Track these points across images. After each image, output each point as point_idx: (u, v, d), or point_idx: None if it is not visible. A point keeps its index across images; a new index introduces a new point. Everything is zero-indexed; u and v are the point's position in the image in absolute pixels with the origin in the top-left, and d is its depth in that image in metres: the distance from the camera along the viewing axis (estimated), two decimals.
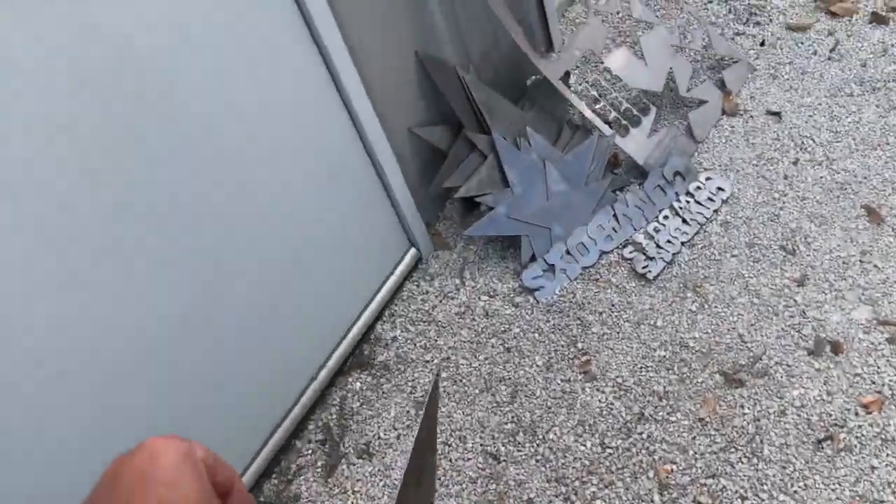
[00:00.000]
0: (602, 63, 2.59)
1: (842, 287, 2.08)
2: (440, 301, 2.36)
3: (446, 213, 2.56)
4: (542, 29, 2.87)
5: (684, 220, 2.34)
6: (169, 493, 0.48)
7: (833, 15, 2.74)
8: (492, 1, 2.24)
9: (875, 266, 2.09)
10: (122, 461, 0.50)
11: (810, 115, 2.48)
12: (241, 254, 1.81)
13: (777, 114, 2.51)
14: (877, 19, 2.67)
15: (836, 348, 1.98)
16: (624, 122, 2.53)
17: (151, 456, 0.50)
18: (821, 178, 2.32)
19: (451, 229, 2.52)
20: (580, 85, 2.72)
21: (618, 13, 2.89)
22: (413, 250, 2.44)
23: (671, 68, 2.55)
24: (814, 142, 2.41)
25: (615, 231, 2.38)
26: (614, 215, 2.39)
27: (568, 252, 2.33)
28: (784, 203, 2.30)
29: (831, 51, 2.63)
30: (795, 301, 2.09)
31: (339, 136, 2.02)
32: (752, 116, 2.54)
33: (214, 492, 0.52)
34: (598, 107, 2.60)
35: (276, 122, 1.79)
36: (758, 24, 2.80)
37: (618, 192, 2.46)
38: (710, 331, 2.10)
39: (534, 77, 2.62)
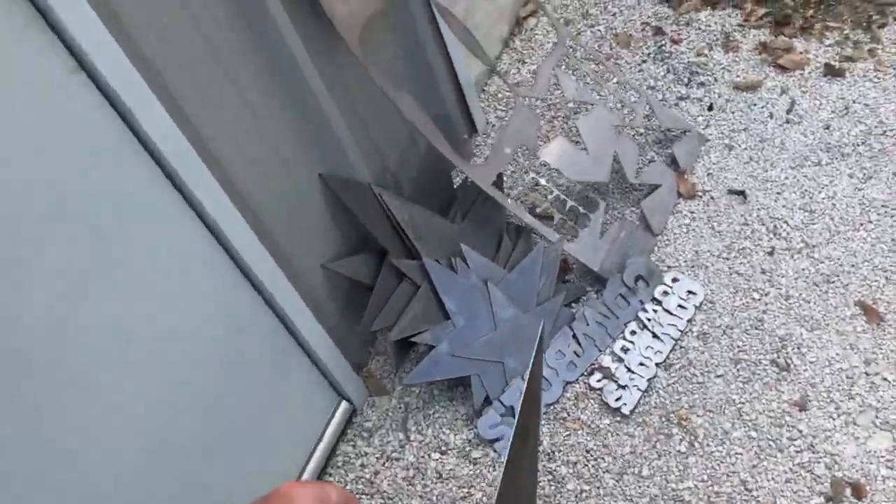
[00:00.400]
0: (538, 157, 2.29)
1: (851, 409, 1.80)
2: (383, 465, 1.99)
3: (378, 348, 2.21)
4: (462, 111, 2.57)
5: (655, 335, 2.03)
6: None
7: (782, 69, 2.50)
8: (404, 107, 1.92)
9: (884, 379, 1.82)
10: None
11: (778, 193, 2.22)
12: (142, 442, 1.45)
13: (741, 192, 2.25)
14: (831, 72, 2.43)
15: (858, 492, 1.68)
16: (570, 222, 2.23)
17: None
18: (803, 270, 2.05)
19: (387, 367, 2.17)
20: (516, 187, 2.42)
21: (548, 97, 2.59)
22: (344, 404, 2.07)
23: (615, 152, 2.26)
24: (788, 225, 2.14)
25: (577, 356, 2.06)
26: (574, 337, 2.07)
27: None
28: (766, 304, 2.02)
29: (788, 112, 2.39)
30: (800, 431, 1.80)
31: (232, 295, 1.66)
32: (712, 198, 2.27)
33: None
34: (539, 210, 2.30)
35: (163, 295, 1.44)
36: (702, 84, 2.54)
37: (573, 306, 2.15)
38: (705, 477, 1.79)
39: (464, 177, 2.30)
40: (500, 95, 2.73)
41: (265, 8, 1.59)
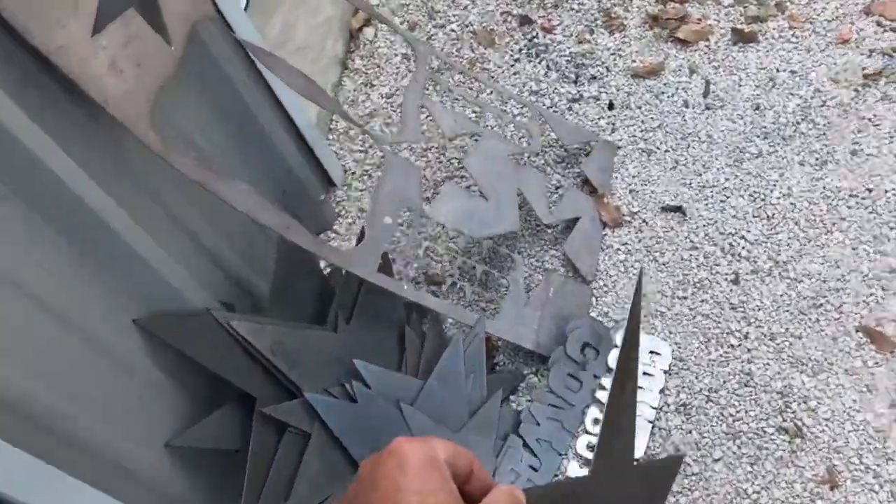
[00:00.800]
0: (427, 218, 1.80)
1: (893, 474, 1.45)
2: None
3: None
4: (312, 165, 2.04)
5: None
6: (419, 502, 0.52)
7: (683, 43, 2.11)
8: (235, 198, 1.37)
9: None
10: (375, 465, 0.54)
11: (723, 200, 1.83)
12: None
13: (677, 209, 1.84)
14: (741, 38, 2.07)
15: None
16: (487, 295, 1.76)
17: (400, 463, 0.53)
18: (781, 296, 1.68)
19: None
20: (409, 264, 1.92)
21: (421, 139, 2.08)
22: None
23: (519, 190, 1.81)
24: (745, 240, 1.76)
25: (535, 470, 1.59)
26: (525, 446, 1.60)
27: None
28: (750, 350, 1.63)
29: (705, 96, 2.00)
30: None
31: None
32: (644, 221, 1.85)
33: (457, 490, 0.54)
34: (444, 287, 1.81)
35: None
36: (594, 78, 2.12)
37: (512, 399, 1.69)
38: None
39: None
40: (351, 133, 2.20)
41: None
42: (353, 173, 2.13)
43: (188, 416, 1.48)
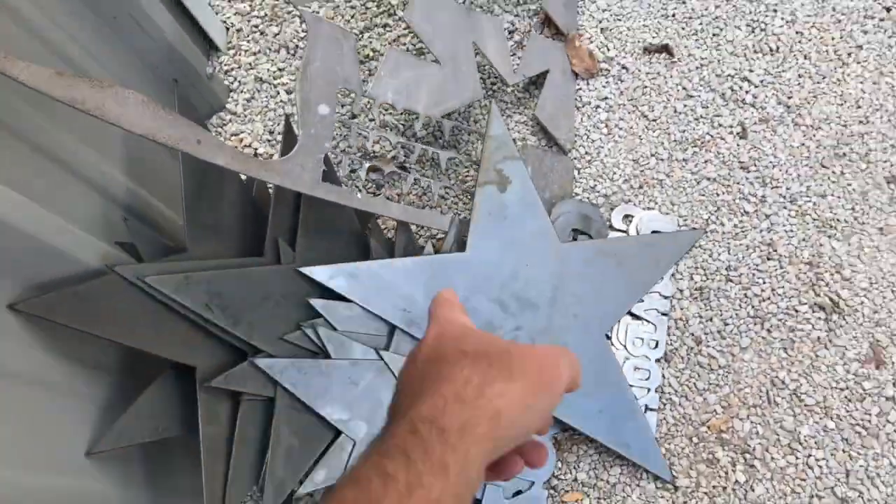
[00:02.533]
0: (371, 100, 1.43)
1: None
2: None
3: None
4: (193, 31, 1.60)
5: (635, 317, 1.41)
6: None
7: None
8: (121, 114, 1.00)
9: None
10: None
11: (716, 33, 1.54)
12: None
13: (664, 48, 1.55)
14: None
15: None
16: (456, 187, 1.46)
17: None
18: (797, 148, 1.45)
19: None
20: (361, 165, 1.54)
21: None
22: None
23: (474, 45, 1.48)
24: (749, 82, 1.50)
25: None
26: None
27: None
28: (768, 217, 1.42)
29: None
30: (890, 398, 1.29)
31: None
32: (624, 68, 1.55)
33: None
34: (405, 189, 1.48)
35: None
36: None
37: None
38: None
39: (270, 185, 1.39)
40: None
41: None
42: (240, 30, 1.71)
43: (105, 409, 1.18)
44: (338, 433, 1.25)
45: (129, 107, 1.05)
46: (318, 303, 1.26)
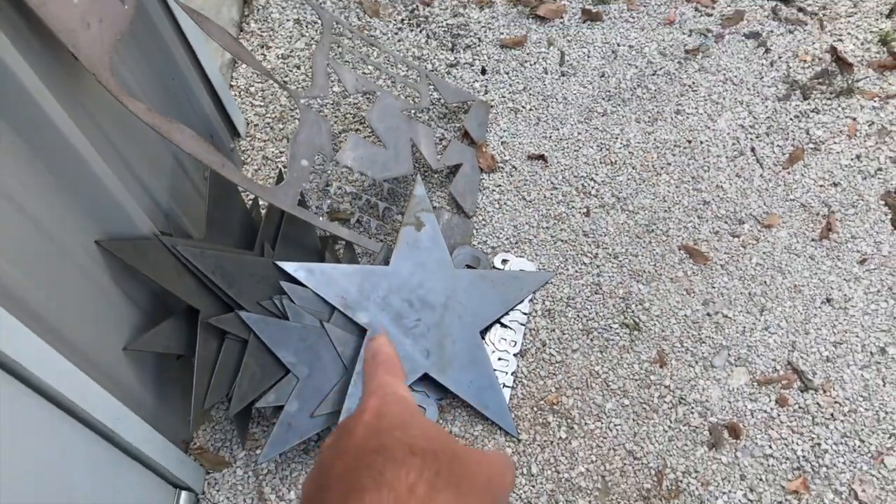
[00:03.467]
0: (337, 163, 2.11)
1: (705, 353, 1.93)
2: None
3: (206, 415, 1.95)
4: (223, 118, 2.29)
5: (503, 325, 2.02)
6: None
7: (542, 20, 2.55)
8: (180, 140, 1.64)
9: (725, 316, 1.97)
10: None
11: (576, 150, 2.28)
12: None
13: (541, 157, 2.27)
14: (589, 16, 2.53)
15: (734, 431, 1.82)
16: (387, 227, 2.11)
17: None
18: (622, 224, 2.14)
19: (218, 435, 1.91)
20: (322, 199, 2.23)
21: (330, 93, 2.38)
22: (184, 494, 1.81)
23: (412, 140, 2.16)
24: (595, 181, 2.22)
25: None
26: None
27: None
28: (599, 267, 2.08)
29: (561, 64, 2.45)
30: (667, 387, 1.89)
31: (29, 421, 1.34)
32: (514, 167, 2.27)
33: None
34: (353, 220, 2.14)
35: None
36: (468, 47, 2.51)
37: None
38: (594, 458, 1.82)
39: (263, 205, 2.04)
40: (251, 90, 2.48)
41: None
42: (256, 125, 2.40)
43: (139, 326, 1.74)
44: (287, 371, 1.81)
45: (185, 135, 1.69)
46: (285, 285, 1.85)
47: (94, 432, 1.54)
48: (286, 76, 2.48)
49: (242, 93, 2.49)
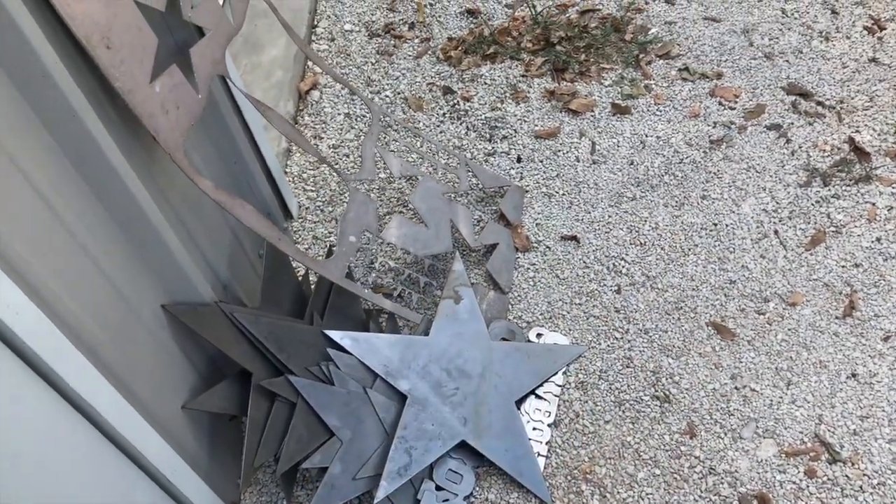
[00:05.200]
0: (382, 240, 2.25)
1: (734, 425, 1.97)
2: None
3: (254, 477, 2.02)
4: (278, 200, 2.45)
5: (537, 396, 2.08)
6: None
7: (574, 113, 2.70)
8: (243, 216, 1.78)
9: (752, 389, 2.01)
10: None
11: (607, 232, 2.39)
12: None
13: (573, 238, 2.38)
14: (618, 110, 2.69)
15: (764, 502, 1.84)
16: (427, 301, 2.21)
17: None
18: (652, 301, 2.22)
19: (264, 497, 1.98)
20: (369, 274, 2.36)
21: (377, 178, 2.55)
22: None
23: (451, 221, 2.29)
24: (625, 261, 2.31)
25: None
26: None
27: (439, 488, 1.93)
28: (630, 342, 2.15)
29: (592, 153, 2.59)
30: (697, 458, 1.92)
31: (98, 463, 1.43)
32: (548, 247, 2.38)
33: None
34: (396, 293, 2.26)
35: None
36: (504, 138, 2.67)
37: None
38: None
39: (315, 277, 2.17)
40: (304, 175, 2.65)
41: (90, 135, 1.40)
42: (307, 208, 2.55)
43: (196, 386, 1.85)
44: (331, 434, 1.88)
45: (247, 211, 1.82)
46: (332, 352, 1.95)
47: (155, 483, 1.63)
48: (336, 163, 2.64)
49: (296, 178, 2.66)
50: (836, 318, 2.15)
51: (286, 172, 2.68)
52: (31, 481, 1.22)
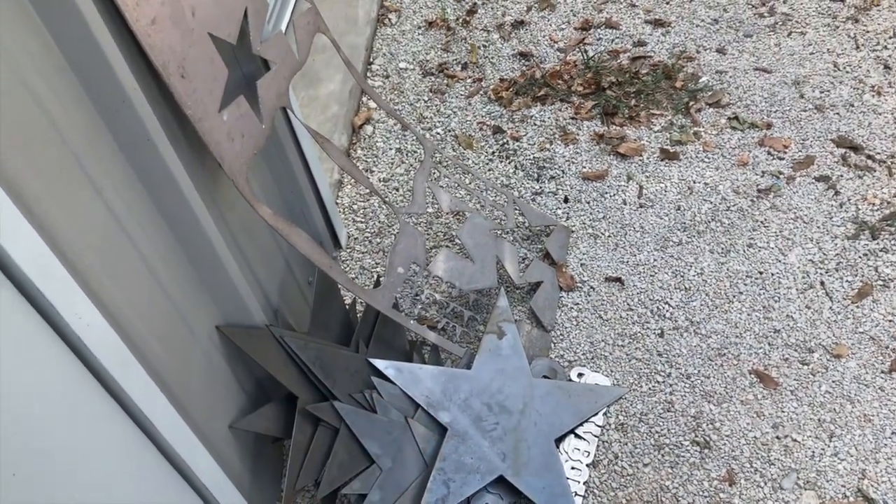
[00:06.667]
0: (428, 273, 2.29)
1: (774, 475, 1.95)
2: None
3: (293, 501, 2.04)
4: (329, 229, 2.51)
5: (577, 436, 2.08)
6: None
7: (622, 156, 2.73)
8: (299, 243, 1.83)
9: (794, 440, 2.00)
10: None
11: (652, 275, 2.40)
12: None
13: (618, 279, 2.40)
14: (667, 156, 2.71)
15: None
16: (471, 334, 2.24)
17: None
18: (695, 347, 2.22)
19: None
20: (415, 305, 2.40)
21: (426, 211, 2.61)
22: None
23: (497, 257, 2.32)
24: (669, 305, 2.32)
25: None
26: None
27: None
28: (671, 386, 2.15)
29: (639, 197, 2.61)
30: None
31: (150, 477, 1.47)
32: (592, 287, 2.39)
33: None
34: (440, 325, 2.29)
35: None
36: (552, 178, 2.70)
37: None
38: None
39: (363, 306, 2.22)
40: (354, 207, 2.71)
41: (161, 160, 1.46)
42: (356, 239, 2.60)
43: (242, 407, 1.89)
44: (371, 462, 1.90)
45: (302, 239, 1.87)
46: (375, 380, 1.97)
47: (201, 498, 1.66)
48: (386, 197, 2.70)
49: (346, 209, 2.72)
50: (882, 372, 2.13)
51: (337, 203, 2.74)
52: (90, 487, 1.27)
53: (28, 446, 1.09)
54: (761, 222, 2.52)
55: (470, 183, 2.76)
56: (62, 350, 1.18)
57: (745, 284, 2.35)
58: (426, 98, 3.12)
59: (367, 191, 2.76)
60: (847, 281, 2.34)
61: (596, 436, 2.10)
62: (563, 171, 2.75)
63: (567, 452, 2.08)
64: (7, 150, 1.08)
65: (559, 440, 2.11)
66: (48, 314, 1.14)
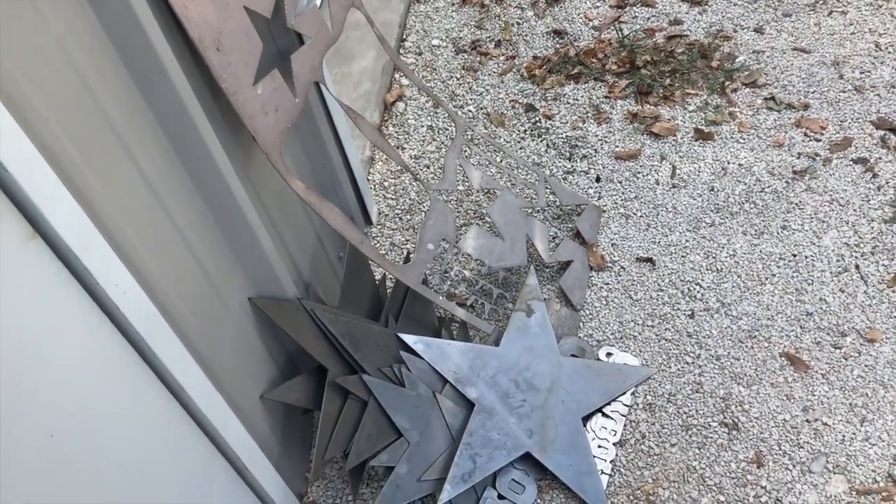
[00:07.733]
0: (458, 249, 2.29)
1: (803, 458, 1.93)
2: None
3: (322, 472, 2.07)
4: (360, 205, 2.52)
5: (605, 415, 2.08)
6: None
7: (655, 136, 2.71)
8: (330, 218, 1.84)
9: (824, 424, 1.97)
10: None
11: (683, 256, 2.38)
12: None
13: (649, 259, 2.38)
14: (701, 136, 2.68)
15: None
16: (499, 311, 2.24)
17: None
18: (726, 328, 2.20)
19: (330, 492, 2.03)
20: (444, 281, 2.41)
21: (456, 190, 2.61)
22: None
23: (527, 235, 2.31)
24: (700, 286, 2.29)
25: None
26: None
27: (501, 497, 1.95)
28: (701, 367, 2.13)
29: (672, 177, 2.58)
30: (763, 488, 1.90)
31: (183, 443, 1.50)
32: (622, 268, 2.38)
33: None
34: (469, 301, 2.30)
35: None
36: (584, 157, 2.69)
37: None
38: None
39: (391, 281, 2.23)
40: (385, 183, 2.71)
41: (196, 132, 1.48)
42: (387, 215, 2.61)
43: (273, 378, 1.92)
44: (399, 435, 1.92)
45: (334, 213, 1.88)
46: (404, 355, 1.99)
47: (231, 466, 1.69)
48: (417, 174, 2.70)
49: (377, 186, 2.72)
50: None
51: (368, 180, 2.75)
52: (124, 449, 1.29)
53: (64, 410, 1.12)
54: (796, 204, 2.48)
55: (501, 161, 2.75)
56: (100, 318, 1.21)
57: (778, 267, 2.32)
58: (458, 75, 3.11)
59: (399, 167, 2.77)
60: (883, 265, 2.30)
61: (623, 415, 2.09)
62: (595, 150, 2.73)
63: (594, 431, 2.08)
64: (48, 119, 1.09)
65: (586, 419, 2.12)
66: (86, 282, 1.17)
